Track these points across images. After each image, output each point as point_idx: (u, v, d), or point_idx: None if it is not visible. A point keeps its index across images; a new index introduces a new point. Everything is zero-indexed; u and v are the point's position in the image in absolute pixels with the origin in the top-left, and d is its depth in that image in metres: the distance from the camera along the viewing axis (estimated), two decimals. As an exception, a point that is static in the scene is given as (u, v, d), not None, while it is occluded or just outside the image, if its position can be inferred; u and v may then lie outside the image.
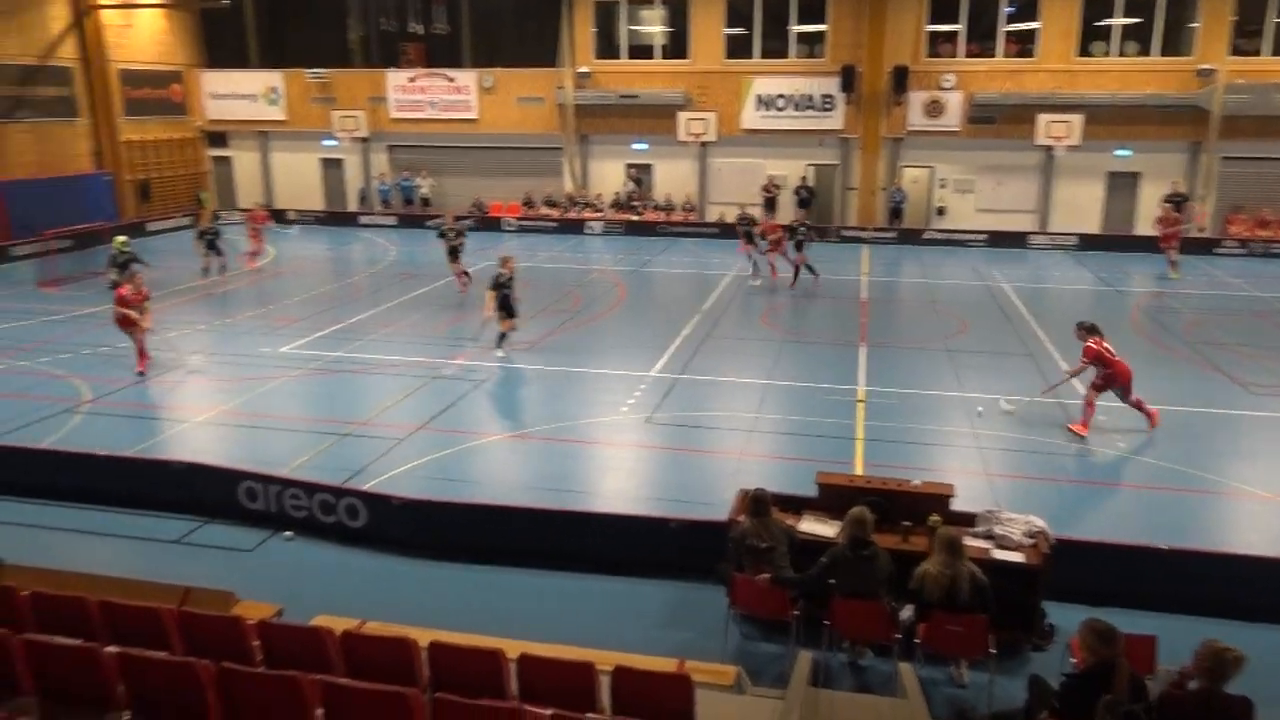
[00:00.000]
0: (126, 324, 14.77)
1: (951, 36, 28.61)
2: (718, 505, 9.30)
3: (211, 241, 22.17)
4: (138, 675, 5.05)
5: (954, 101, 28.40)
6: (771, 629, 7.70)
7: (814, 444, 11.93)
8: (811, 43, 29.57)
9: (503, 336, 15.84)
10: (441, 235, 20.31)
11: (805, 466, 10.43)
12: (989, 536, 7.70)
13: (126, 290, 14.86)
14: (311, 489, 9.67)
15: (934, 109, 28.56)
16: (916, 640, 6.90)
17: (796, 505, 8.28)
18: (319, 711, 4.85)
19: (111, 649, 5.21)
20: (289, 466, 10.89)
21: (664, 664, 6.34)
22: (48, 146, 28.36)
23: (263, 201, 33.28)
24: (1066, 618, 7.39)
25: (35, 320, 18.60)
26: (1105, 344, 11.94)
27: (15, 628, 5.40)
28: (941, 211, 29.79)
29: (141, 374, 14.71)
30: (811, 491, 8.38)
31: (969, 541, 7.37)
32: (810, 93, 29.18)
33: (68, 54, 28.81)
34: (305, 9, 32.78)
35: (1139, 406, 12.16)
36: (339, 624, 6.35)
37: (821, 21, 29.15)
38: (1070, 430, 12.17)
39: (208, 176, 34.51)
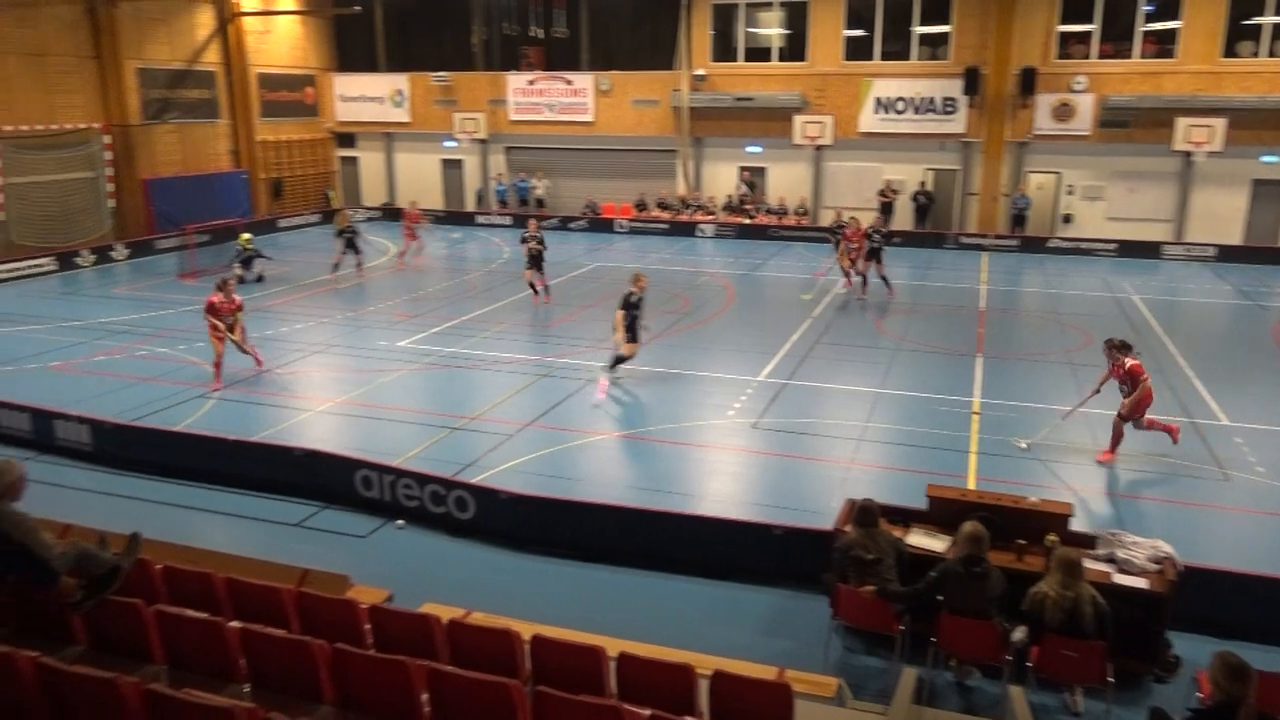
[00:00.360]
0: (213, 332, 14.30)
1: (1084, 37, 27.40)
2: (823, 514, 9.17)
3: (350, 240, 22.76)
4: (258, 650, 5.28)
5: (1085, 104, 27.19)
6: (875, 642, 7.53)
7: (925, 455, 11.62)
8: (934, 44, 28.78)
9: (619, 360, 14.52)
10: (524, 241, 20.48)
11: (915, 478, 10.21)
12: (1110, 560, 7.35)
13: (217, 299, 14.29)
14: (423, 480, 9.96)
15: (1063, 112, 27.42)
16: (1028, 663, 6.64)
17: (905, 517, 8.08)
18: (424, 696, 4.98)
19: (235, 624, 5.46)
20: (403, 457, 11.23)
21: (763, 671, 6.27)
22: (191, 146, 30.03)
23: (388, 200, 34.58)
24: (1194, 650, 7.00)
25: (174, 310, 19.70)
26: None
27: (149, 599, 5.72)
28: (1068, 219, 28.59)
29: (215, 390, 14.13)
30: (921, 504, 8.17)
31: (1089, 564, 7.04)
32: (931, 95, 28.42)
33: (211, 59, 30.45)
34: (431, 14, 33.76)
35: (1119, 431, 11.48)
36: (446, 612, 6.51)
37: (945, 22, 28.36)
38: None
39: (335, 175, 35.95)
